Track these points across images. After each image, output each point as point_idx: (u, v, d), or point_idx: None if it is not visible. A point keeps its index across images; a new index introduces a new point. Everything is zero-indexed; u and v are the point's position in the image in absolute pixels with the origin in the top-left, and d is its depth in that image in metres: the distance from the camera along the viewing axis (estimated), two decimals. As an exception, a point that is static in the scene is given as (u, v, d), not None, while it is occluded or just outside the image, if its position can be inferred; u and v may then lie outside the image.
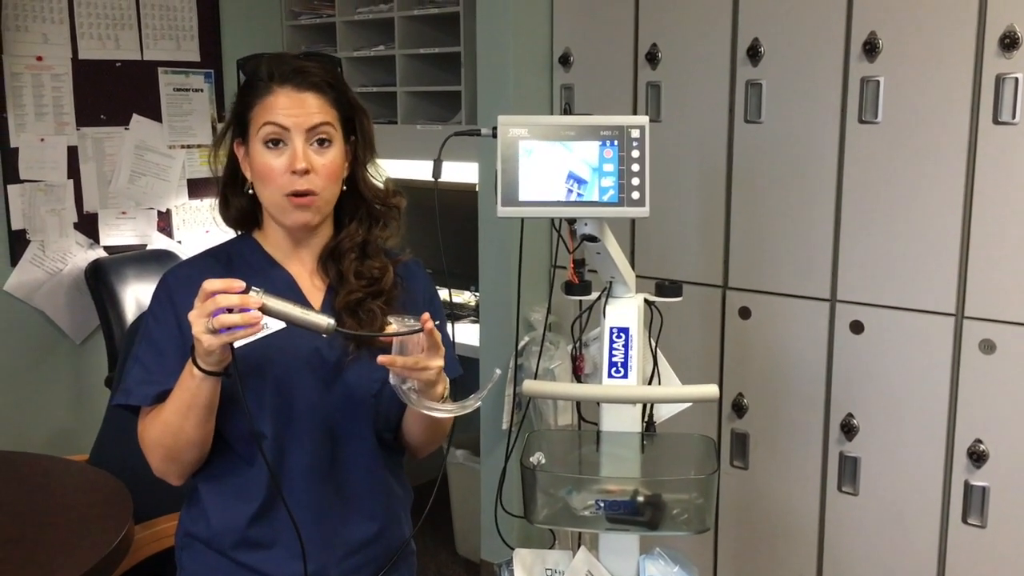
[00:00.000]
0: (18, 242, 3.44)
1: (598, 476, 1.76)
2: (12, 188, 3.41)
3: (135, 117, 3.71)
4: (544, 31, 3.04)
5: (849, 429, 2.54)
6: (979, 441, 2.35)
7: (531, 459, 1.69)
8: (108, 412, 2.57)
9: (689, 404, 1.83)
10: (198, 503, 1.57)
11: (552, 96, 3.07)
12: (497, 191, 1.59)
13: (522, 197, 1.59)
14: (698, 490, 1.68)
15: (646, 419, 1.79)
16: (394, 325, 1.39)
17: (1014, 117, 2.22)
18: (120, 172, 3.69)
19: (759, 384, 2.71)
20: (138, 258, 3.64)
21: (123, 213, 3.71)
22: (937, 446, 2.41)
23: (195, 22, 3.85)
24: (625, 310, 1.75)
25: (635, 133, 1.59)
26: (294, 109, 1.47)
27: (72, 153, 3.55)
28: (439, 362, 1.42)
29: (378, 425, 1.57)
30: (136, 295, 3.45)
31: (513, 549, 1.80)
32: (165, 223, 3.82)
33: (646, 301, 1.82)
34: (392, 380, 1.43)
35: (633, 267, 1.91)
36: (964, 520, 2.39)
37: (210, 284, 1.31)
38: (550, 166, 1.58)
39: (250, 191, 1.54)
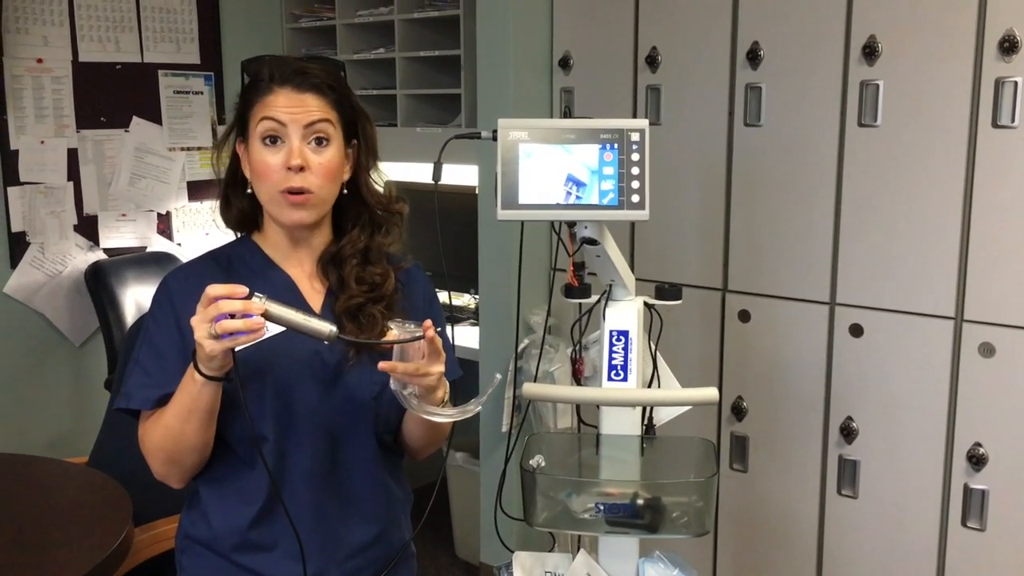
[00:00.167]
0: (18, 244, 3.45)
1: (598, 479, 1.76)
2: (12, 190, 3.41)
3: (135, 119, 3.72)
4: (544, 34, 3.05)
5: (848, 432, 2.54)
6: (978, 444, 2.35)
7: (531, 462, 1.69)
8: (108, 415, 2.57)
9: (689, 407, 1.83)
10: (198, 506, 1.57)
11: (552, 99, 3.07)
12: (497, 194, 1.59)
13: (522, 200, 1.59)
14: (698, 493, 1.68)
15: (646, 422, 1.79)
16: (395, 331, 1.39)
17: (1013, 121, 2.22)
18: (120, 174, 3.69)
19: (759, 387, 2.71)
20: (138, 260, 3.64)
21: (123, 215, 3.71)
22: (936, 449, 2.41)
23: (195, 25, 3.85)
24: (625, 313, 1.75)
25: (635, 136, 1.59)
26: (292, 107, 1.47)
27: (72, 155, 3.56)
28: (440, 368, 1.42)
29: (378, 428, 1.57)
30: (136, 297, 3.45)
31: (513, 552, 1.80)
32: (165, 225, 3.82)
33: (646, 304, 1.82)
34: (393, 386, 1.43)
35: (633, 270, 1.91)
36: (963, 523, 2.39)
37: (213, 289, 1.32)
38: (550, 169, 1.59)
39: (251, 192, 1.54)
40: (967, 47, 2.26)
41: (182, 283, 1.53)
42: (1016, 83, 2.20)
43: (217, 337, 1.31)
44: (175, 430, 1.44)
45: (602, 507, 1.66)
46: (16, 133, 3.41)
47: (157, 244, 3.80)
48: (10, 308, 3.45)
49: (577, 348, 1.86)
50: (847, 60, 2.45)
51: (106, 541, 1.82)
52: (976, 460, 2.35)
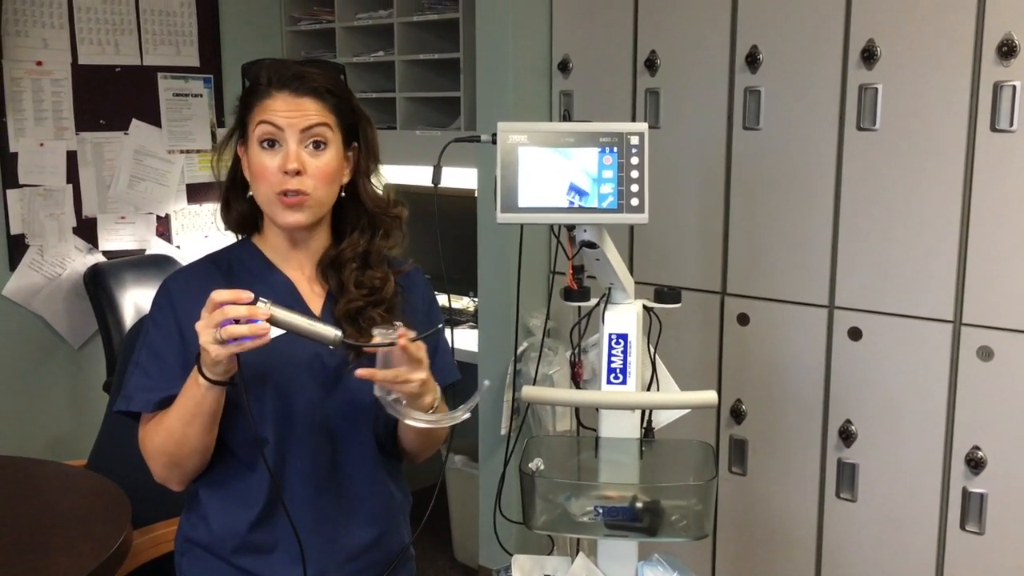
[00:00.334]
0: (17, 247, 3.45)
1: (597, 482, 1.76)
2: (11, 193, 3.41)
3: (134, 122, 3.72)
4: (543, 37, 3.05)
5: (847, 435, 2.55)
6: (977, 448, 2.35)
7: (530, 465, 1.69)
8: (107, 417, 2.57)
9: (688, 410, 1.83)
10: (198, 508, 1.57)
11: (551, 102, 3.07)
12: (496, 197, 1.59)
13: (521, 204, 1.59)
14: (696, 496, 1.68)
15: (645, 425, 1.79)
16: (377, 338, 1.39)
17: (1011, 125, 2.22)
18: (119, 177, 3.69)
19: (757, 390, 2.71)
20: (137, 263, 3.64)
21: (122, 218, 3.71)
22: (935, 453, 2.41)
23: (195, 27, 3.85)
24: (624, 316, 1.75)
25: (634, 140, 1.59)
26: (290, 111, 1.48)
27: (71, 158, 3.56)
28: (420, 375, 1.41)
29: (377, 430, 1.57)
30: (135, 300, 3.45)
31: (511, 555, 1.80)
32: (164, 228, 3.83)
33: (645, 307, 1.82)
34: (376, 392, 1.42)
35: (632, 273, 1.91)
36: (962, 527, 2.39)
37: (218, 295, 1.32)
38: (549, 173, 1.59)
39: (251, 195, 1.54)
40: (966, 51, 2.26)
41: (182, 286, 1.53)
42: (1015, 87, 2.20)
43: (222, 342, 1.31)
44: (178, 433, 1.44)
45: (601, 510, 1.66)
46: (15, 136, 3.41)
47: (156, 247, 3.80)
48: (9, 310, 3.45)
49: (576, 351, 1.86)
50: (846, 64, 2.45)
51: (105, 544, 1.82)
52: (975, 464, 2.35)
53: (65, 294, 3.56)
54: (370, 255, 1.58)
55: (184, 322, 1.48)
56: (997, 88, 2.23)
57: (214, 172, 1.59)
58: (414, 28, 3.66)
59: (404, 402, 1.43)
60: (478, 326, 3.20)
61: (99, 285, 3.46)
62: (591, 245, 1.66)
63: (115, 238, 3.69)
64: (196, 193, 3.89)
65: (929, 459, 2.42)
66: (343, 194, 1.57)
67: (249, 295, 1.32)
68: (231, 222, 1.60)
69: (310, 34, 4.05)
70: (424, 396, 1.44)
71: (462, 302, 3.70)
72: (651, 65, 2.81)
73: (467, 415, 1.46)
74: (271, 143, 1.48)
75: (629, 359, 1.73)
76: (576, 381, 1.88)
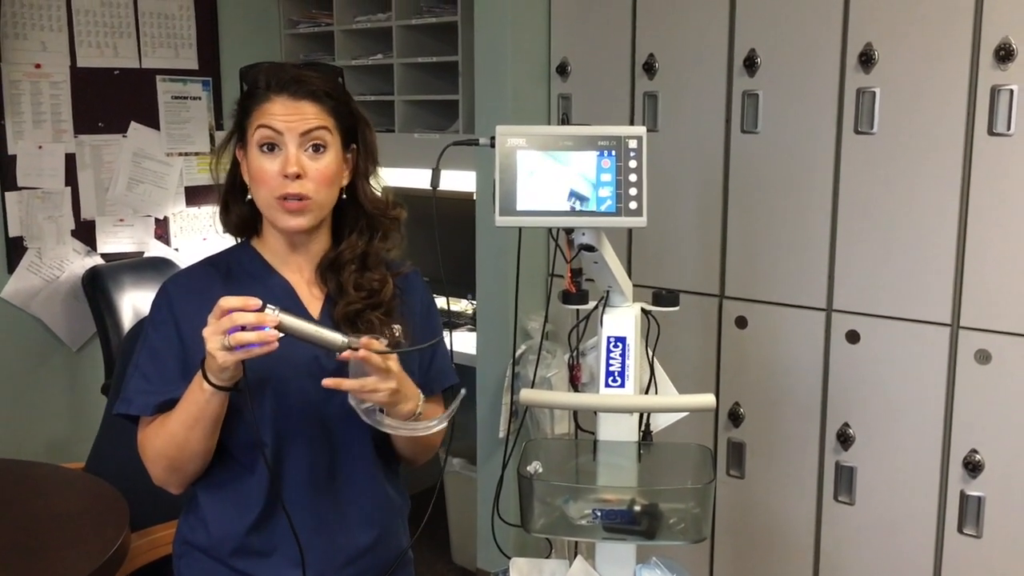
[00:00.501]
0: (15, 249, 3.44)
1: (595, 485, 1.76)
2: (10, 195, 3.41)
3: (133, 125, 3.72)
4: (542, 41, 3.05)
5: (845, 439, 2.55)
6: (975, 451, 2.35)
7: (528, 468, 1.68)
8: (105, 420, 2.56)
9: (686, 413, 1.83)
10: (197, 511, 1.57)
11: (550, 105, 3.08)
12: (495, 200, 1.59)
13: (520, 207, 1.59)
14: (695, 499, 1.68)
15: (643, 428, 1.79)
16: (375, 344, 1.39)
17: (1009, 128, 2.23)
18: (118, 179, 3.69)
19: (755, 393, 2.71)
20: (135, 265, 3.64)
21: (120, 220, 3.71)
22: (933, 456, 2.42)
23: (193, 30, 3.85)
24: (622, 319, 1.75)
25: (633, 143, 1.59)
26: (289, 115, 1.48)
27: (70, 160, 3.56)
28: (389, 385, 1.40)
29: (375, 434, 1.57)
30: (133, 303, 3.45)
31: (510, 558, 1.80)
32: (162, 231, 3.82)
33: (643, 310, 1.82)
34: (351, 401, 1.42)
35: (630, 276, 1.91)
36: (960, 530, 2.39)
37: (227, 301, 1.32)
38: (548, 176, 1.59)
39: (250, 198, 1.55)
40: (963, 55, 2.27)
41: (181, 288, 1.54)
42: (1012, 91, 2.21)
43: (230, 349, 1.31)
44: (179, 438, 1.44)
45: (599, 513, 1.66)
46: (14, 138, 3.41)
47: (155, 249, 3.80)
48: (7, 313, 3.44)
49: (574, 354, 1.86)
50: (843, 67, 2.46)
51: (103, 547, 1.81)
52: (972, 467, 2.35)
53: (63, 296, 3.56)
54: (368, 257, 1.58)
55: (183, 325, 1.48)
56: (994, 92, 2.23)
57: (213, 175, 1.60)
58: (412, 31, 3.66)
59: (382, 410, 1.43)
60: (476, 329, 3.21)
61: (97, 287, 3.46)
62: (589, 248, 1.66)
63: (113, 240, 3.69)
64: (195, 196, 3.89)
65: (927, 462, 2.43)
66: (343, 196, 1.57)
67: (258, 302, 1.32)
68: (230, 225, 1.60)
69: (309, 37, 4.05)
70: (400, 404, 1.44)
71: (461, 305, 3.70)
72: (649, 68, 2.82)
73: (443, 425, 1.46)
74: (270, 147, 1.48)
75: (627, 362, 1.73)
76: (574, 384, 1.88)
